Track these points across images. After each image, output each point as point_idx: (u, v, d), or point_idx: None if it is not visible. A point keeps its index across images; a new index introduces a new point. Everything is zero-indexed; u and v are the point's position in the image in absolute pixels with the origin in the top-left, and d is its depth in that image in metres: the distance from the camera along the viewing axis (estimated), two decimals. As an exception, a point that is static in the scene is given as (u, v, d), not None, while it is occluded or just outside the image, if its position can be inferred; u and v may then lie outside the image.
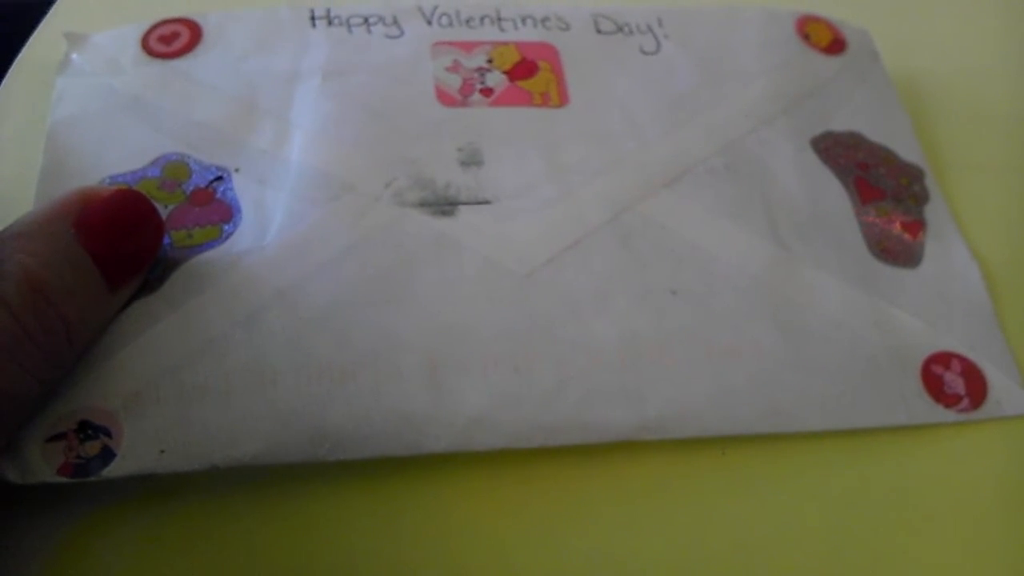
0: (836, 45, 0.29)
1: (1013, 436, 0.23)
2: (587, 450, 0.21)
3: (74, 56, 0.26)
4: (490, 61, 0.26)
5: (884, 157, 0.27)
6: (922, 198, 0.26)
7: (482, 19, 0.27)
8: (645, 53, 0.28)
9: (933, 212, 0.26)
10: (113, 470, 0.19)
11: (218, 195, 0.23)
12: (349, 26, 0.27)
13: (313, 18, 0.27)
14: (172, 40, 0.26)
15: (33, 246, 0.18)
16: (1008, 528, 0.21)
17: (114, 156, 0.24)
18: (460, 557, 0.20)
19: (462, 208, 0.23)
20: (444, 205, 0.23)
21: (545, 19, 0.28)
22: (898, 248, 0.25)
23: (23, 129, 0.25)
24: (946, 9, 0.33)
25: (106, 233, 0.20)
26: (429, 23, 0.27)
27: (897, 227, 0.25)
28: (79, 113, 0.25)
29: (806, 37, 0.29)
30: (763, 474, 0.22)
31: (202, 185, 0.23)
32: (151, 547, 0.20)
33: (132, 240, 0.20)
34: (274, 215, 0.23)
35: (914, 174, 0.27)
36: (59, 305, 0.18)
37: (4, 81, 0.27)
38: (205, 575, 0.20)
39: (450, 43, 0.27)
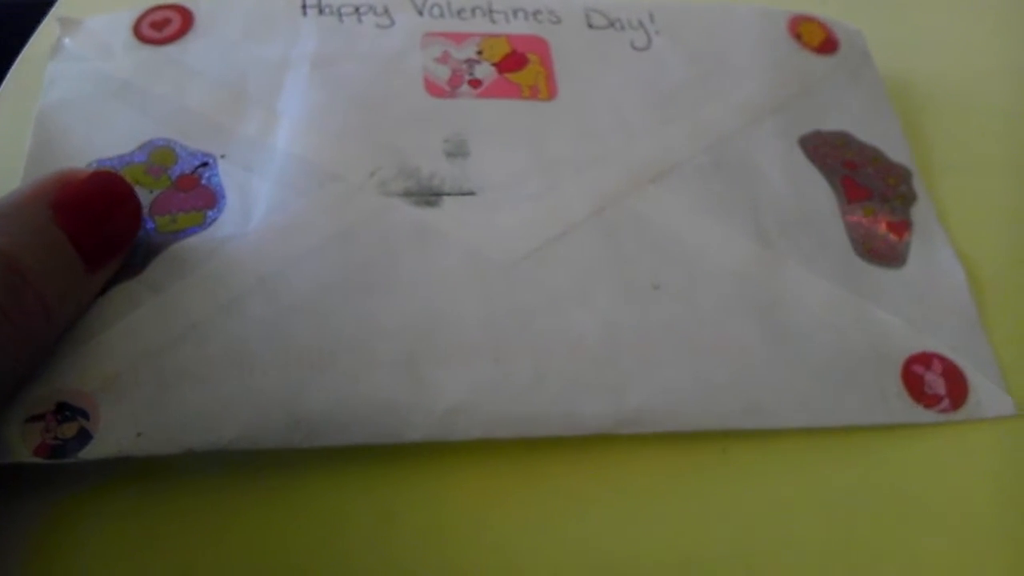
0: (828, 45, 0.29)
1: (1008, 436, 0.23)
2: (585, 444, 0.21)
3: (66, 41, 0.26)
4: (480, 53, 0.26)
5: (872, 157, 0.27)
6: (909, 199, 0.26)
7: (473, 11, 0.27)
8: (636, 49, 0.28)
9: (919, 213, 0.26)
10: (89, 452, 0.19)
11: (203, 181, 0.23)
12: (340, 15, 0.27)
13: (304, 7, 0.27)
14: (163, 26, 0.26)
15: (10, 227, 0.19)
16: (1003, 527, 0.21)
17: (101, 140, 0.24)
18: (454, 548, 0.20)
19: (446, 199, 0.23)
20: (428, 195, 0.23)
21: (536, 12, 0.28)
22: (883, 248, 0.25)
23: (24, 123, 0.25)
24: (938, 11, 0.33)
25: (83, 214, 0.20)
26: (420, 14, 0.27)
27: (883, 227, 0.25)
28: (68, 97, 0.25)
29: (798, 36, 0.29)
30: (763, 471, 0.22)
31: (187, 171, 0.23)
32: (132, 529, 0.20)
33: (109, 221, 0.20)
34: (258, 202, 0.23)
35: (902, 174, 0.27)
36: (37, 286, 0.18)
37: (6, 78, 0.27)
38: (185, 558, 0.20)
39: (440, 34, 0.27)
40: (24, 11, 0.30)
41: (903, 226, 0.26)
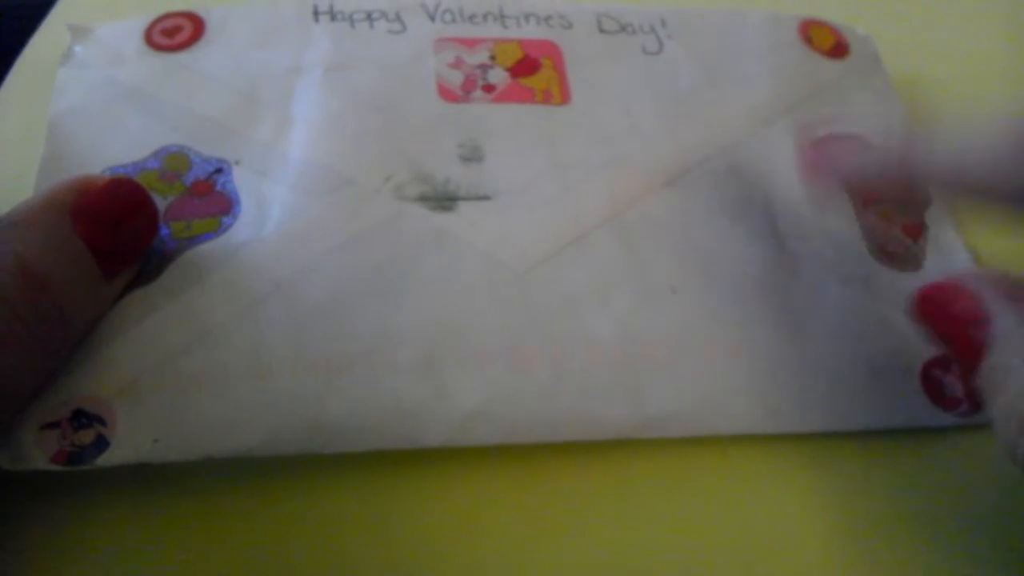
0: (839, 49, 0.29)
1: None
2: (588, 448, 0.21)
3: (77, 48, 0.26)
4: (492, 58, 0.26)
5: (886, 160, 0.27)
6: (923, 201, 0.26)
7: (485, 16, 0.27)
8: (648, 53, 0.28)
9: (934, 215, 0.26)
10: (107, 459, 0.19)
11: (218, 187, 0.23)
12: (352, 21, 0.27)
13: (316, 13, 0.27)
14: (175, 33, 0.26)
15: (29, 235, 0.18)
16: (1005, 529, 0.21)
17: (114, 147, 0.24)
18: (458, 552, 0.20)
19: (461, 203, 0.23)
20: (444, 200, 0.23)
21: (548, 17, 0.28)
22: (899, 251, 0.25)
23: (26, 124, 0.25)
24: (947, 14, 0.34)
25: (102, 222, 0.20)
26: (432, 19, 0.27)
27: (898, 230, 0.25)
28: (80, 104, 0.25)
29: (809, 40, 0.29)
30: (764, 474, 0.22)
31: (202, 177, 0.23)
32: (133, 533, 0.20)
33: (127, 228, 0.20)
34: (273, 208, 0.23)
35: (915, 177, 0.27)
36: (55, 294, 0.18)
37: (7, 77, 0.27)
38: (198, 563, 0.19)
39: (453, 39, 0.27)
40: (24, 11, 0.30)
41: (918, 229, 0.26)
